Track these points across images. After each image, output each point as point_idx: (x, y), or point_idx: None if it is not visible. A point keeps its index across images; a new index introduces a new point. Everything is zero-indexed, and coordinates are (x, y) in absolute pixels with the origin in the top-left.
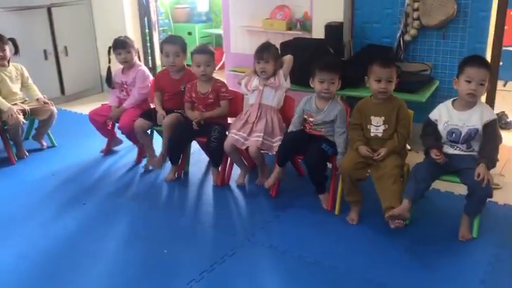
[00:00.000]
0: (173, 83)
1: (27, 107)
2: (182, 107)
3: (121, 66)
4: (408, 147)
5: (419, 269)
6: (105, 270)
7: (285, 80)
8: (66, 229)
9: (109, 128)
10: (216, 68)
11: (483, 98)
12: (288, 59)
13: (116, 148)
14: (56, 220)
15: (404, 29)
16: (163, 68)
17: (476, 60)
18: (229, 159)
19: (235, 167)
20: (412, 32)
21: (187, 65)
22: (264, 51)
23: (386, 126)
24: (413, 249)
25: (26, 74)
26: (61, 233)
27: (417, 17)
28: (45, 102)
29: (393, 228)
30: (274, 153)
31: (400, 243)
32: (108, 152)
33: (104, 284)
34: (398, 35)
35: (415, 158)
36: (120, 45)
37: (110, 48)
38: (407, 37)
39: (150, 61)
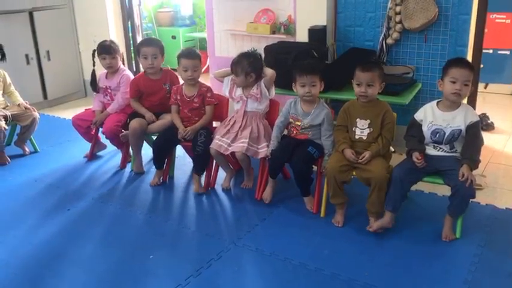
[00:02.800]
0: (154, 84)
1: (8, 113)
2: (166, 106)
3: (105, 70)
4: (392, 149)
5: (403, 270)
6: (89, 277)
7: (268, 91)
8: (50, 236)
9: (92, 133)
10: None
11: (465, 101)
12: (270, 73)
13: (99, 153)
14: (39, 227)
15: (386, 32)
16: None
17: (461, 61)
18: (214, 163)
19: (220, 171)
20: (395, 35)
21: (172, 68)
22: (237, 65)
23: (372, 129)
24: (397, 250)
25: (8, 80)
26: (44, 239)
27: (399, 20)
28: (26, 108)
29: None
30: (259, 158)
31: (385, 244)
32: (92, 157)
33: None
34: (380, 38)
35: (398, 159)
36: (105, 51)
37: (94, 51)
38: (389, 40)
39: (134, 65)
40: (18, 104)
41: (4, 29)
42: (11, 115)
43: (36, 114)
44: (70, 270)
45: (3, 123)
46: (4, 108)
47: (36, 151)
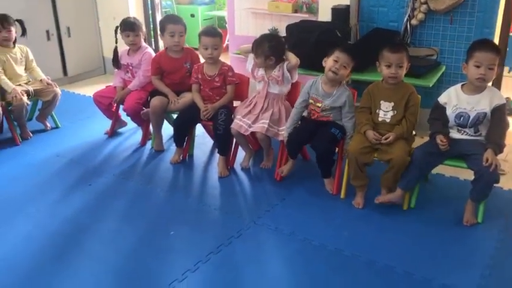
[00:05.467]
0: (175, 62)
1: (31, 88)
2: (186, 85)
3: (127, 47)
4: (413, 132)
5: (424, 253)
6: (111, 251)
7: (290, 75)
8: (72, 210)
9: (113, 109)
10: None
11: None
12: (294, 62)
13: (120, 130)
14: (62, 201)
15: (411, 13)
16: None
17: (485, 44)
18: (233, 143)
19: (240, 150)
20: (419, 16)
21: (192, 47)
22: (258, 47)
23: (395, 111)
24: (418, 232)
25: (31, 56)
26: (67, 214)
27: (425, 1)
28: (48, 84)
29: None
30: (280, 139)
31: (405, 227)
32: (113, 134)
33: (110, 265)
34: (405, 19)
35: (420, 143)
36: (129, 27)
37: (117, 28)
38: (414, 21)
39: (153, 43)
40: (40, 80)
41: (25, 4)
42: (33, 90)
43: (58, 90)
44: (92, 244)
45: (25, 98)
46: (26, 83)
47: (57, 127)
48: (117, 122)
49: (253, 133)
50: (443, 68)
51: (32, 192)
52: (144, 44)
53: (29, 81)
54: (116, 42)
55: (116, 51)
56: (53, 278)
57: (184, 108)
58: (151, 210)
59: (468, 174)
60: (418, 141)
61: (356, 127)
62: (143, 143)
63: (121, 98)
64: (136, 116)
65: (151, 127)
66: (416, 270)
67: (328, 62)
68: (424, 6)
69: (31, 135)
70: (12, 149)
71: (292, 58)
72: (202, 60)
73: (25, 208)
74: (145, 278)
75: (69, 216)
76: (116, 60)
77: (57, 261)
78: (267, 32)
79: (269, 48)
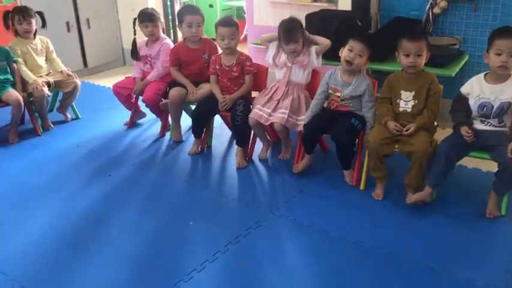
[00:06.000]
0: (193, 53)
1: (51, 79)
2: (204, 76)
3: (145, 39)
4: (435, 123)
5: (445, 245)
6: (131, 241)
7: (317, 58)
8: (93, 200)
9: (133, 101)
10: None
11: None
12: (326, 43)
13: (139, 121)
14: (82, 191)
15: (433, 1)
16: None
17: (505, 31)
18: (251, 134)
19: (258, 141)
20: (442, 4)
21: (210, 38)
22: (292, 31)
23: (416, 101)
24: (439, 225)
25: (51, 47)
26: (87, 204)
27: None
28: (68, 75)
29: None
30: (299, 129)
31: (426, 219)
32: (132, 124)
33: (130, 254)
34: (427, 7)
35: (442, 134)
36: (148, 18)
37: (135, 19)
38: (436, 10)
39: (172, 34)
40: (61, 71)
41: None
42: (54, 82)
43: (78, 81)
44: (112, 233)
45: (46, 89)
46: (47, 74)
47: (77, 117)
48: (136, 113)
49: (271, 124)
50: (467, 57)
51: (53, 183)
52: (162, 34)
53: (50, 73)
54: (135, 34)
55: (134, 42)
56: (73, 266)
57: (203, 99)
58: (170, 200)
59: (491, 166)
60: (440, 132)
61: (377, 118)
62: (162, 134)
63: (140, 89)
64: (155, 107)
65: (170, 118)
66: (437, 263)
67: (344, 52)
68: None
69: (52, 126)
70: (34, 140)
71: (325, 40)
72: (220, 50)
73: (46, 198)
74: (164, 267)
75: (89, 206)
76: (134, 52)
77: (77, 250)
78: None
79: (301, 25)
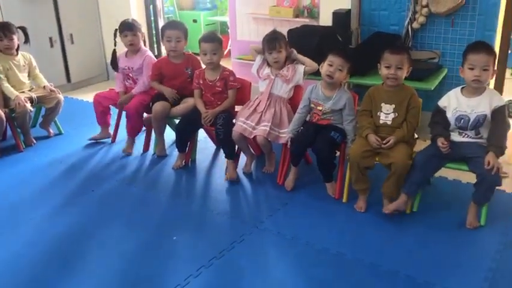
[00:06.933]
0: (175, 68)
1: (34, 95)
2: (187, 90)
3: (125, 51)
4: (415, 135)
5: (426, 256)
6: (114, 256)
7: (302, 78)
8: (75, 216)
9: (110, 113)
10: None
11: (491, 86)
12: (313, 66)
13: (122, 136)
14: (64, 207)
15: (412, 16)
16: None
17: (477, 46)
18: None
19: (242, 155)
20: (421, 19)
21: (193, 52)
22: (276, 41)
23: (396, 114)
24: (420, 236)
25: (34, 63)
26: (70, 219)
27: (426, 4)
28: (51, 90)
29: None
30: (281, 142)
31: (408, 230)
32: (96, 140)
33: (113, 270)
34: (406, 22)
35: (422, 146)
36: (127, 27)
37: (116, 30)
38: (415, 25)
39: (156, 49)
40: (44, 87)
41: (29, 12)
42: (37, 97)
43: (61, 96)
44: (95, 249)
45: (29, 105)
46: (30, 90)
47: (60, 133)
48: (104, 131)
49: (254, 137)
50: (445, 71)
51: (35, 198)
52: (143, 47)
53: (32, 88)
54: (115, 45)
55: (114, 53)
56: (54, 284)
57: (187, 113)
58: (154, 215)
59: (471, 177)
60: (421, 145)
61: (357, 130)
62: (146, 149)
63: (125, 101)
64: (138, 118)
65: (153, 133)
66: (418, 274)
67: (324, 67)
68: (425, 9)
69: (34, 141)
70: (16, 156)
71: (313, 64)
72: (203, 65)
73: (28, 214)
74: (148, 283)
75: (71, 222)
76: (114, 63)
77: (59, 267)
78: None
79: (284, 37)
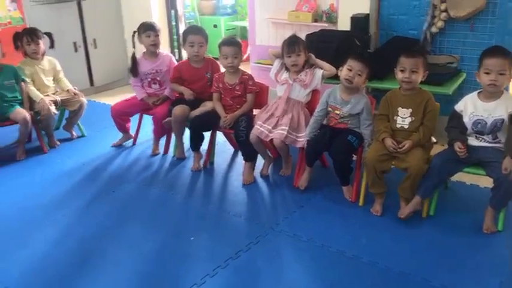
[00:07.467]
0: (196, 72)
1: (58, 98)
2: (207, 94)
3: (142, 54)
4: (434, 140)
5: (442, 260)
6: (133, 256)
7: (320, 83)
8: (97, 216)
9: (129, 122)
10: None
11: (511, 90)
12: (332, 70)
13: (142, 139)
14: (86, 207)
15: (431, 20)
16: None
17: (493, 50)
18: None
19: (259, 158)
20: (439, 24)
21: (213, 57)
22: (295, 44)
23: (413, 118)
24: (436, 240)
25: (59, 67)
26: (91, 220)
27: (445, 8)
28: (75, 94)
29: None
30: (299, 146)
31: (424, 234)
32: (120, 145)
33: (132, 269)
34: (425, 27)
35: (440, 151)
36: (150, 28)
37: (134, 32)
38: (434, 29)
39: (177, 53)
40: (67, 90)
41: (54, 18)
42: (60, 100)
43: (84, 99)
44: (115, 249)
45: (53, 108)
46: (54, 93)
47: (83, 135)
48: (126, 135)
49: (271, 140)
50: (464, 76)
51: (58, 199)
52: (162, 50)
53: (57, 92)
54: (134, 47)
55: (134, 57)
56: (76, 282)
57: (202, 112)
58: (173, 216)
59: (488, 182)
60: (439, 149)
61: (374, 135)
62: (165, 152)
63: (161, 102)
64: (163, 124)
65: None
66: (434, 278)
67: (343, 71)
68: (444, 13)
69: (58, 143)
70: (40, 157)
71: (332, 68)
72: (223, 69)
73: (52, 214)
74: (165, 282)
75: (93, 222)
76: (134, 67)
77: (81, 266)
78: None
79: (303, 41)
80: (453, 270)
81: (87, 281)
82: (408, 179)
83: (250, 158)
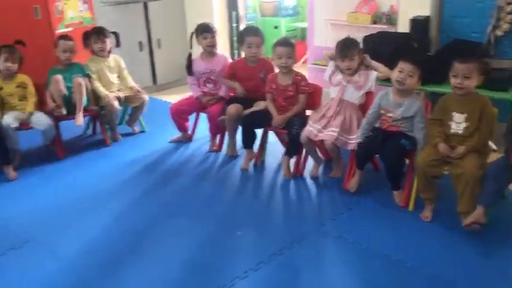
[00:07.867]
0: (250, 71)
1: (122, 95)
2: (259, 94)
3: (199, 55)
4: (494, 147)
5: (492, 273)
6: (181, 245)
7: (375, 85)
8: (149, 207)
9: (187, 122)
10: (301, 62)
11: None
12: (386, 73)
13: (198, 136)
14: (140, 198)
15: (496, 23)
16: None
17: None
18: (304, 150)
19: (310, 159)
20: (505, 26)
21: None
22: (349, 48)
23: (468, 123)
24: (486, 251)
25: (123, 65)
26: (144, 210)
27: (511, 10)
28: (138, 91)
29: (468, 229)
30: (350, 149)
31: (473, 243)
32: (178, 142)
33: (177, 259)
34: (489, 29)
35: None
36: (207, 29)
37: (192, 33)
38: (499, 32)
39: (236, 54)
40: (131, 87)
41: (121, 18)
42: (124, 97)
43: (146, 97)
44: (164, 237)
45: (116, 103)
46: (118, 90)
47: (144, 131)
48: (184, 135)
49: (322, 142)
50: None
51: (117, 189)
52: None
53: (121, 88)
54: (191, 48)
55: (190, 57)
56: (128, 263)
57: (255, 111)
58: (222, 210)
59: None
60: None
61: (427, 139)
62: (219, 149)
63: (213, 102)
64: (217, 122)
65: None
66: (480, 287)
67: (394, 73)
68: (510, 16)
69: (120, 137)
70: (103, 150)
71: (386, 70)
72: (276, 70)
73: (109, 203)
74: (209, 272)
75: (145, 213)
76: (189, 66)
77: (130, 252)
78: None
79: (358, 43)
80: (501, 280)
81: (137, 263)
82: (465, 190)
83: (291, 154)
